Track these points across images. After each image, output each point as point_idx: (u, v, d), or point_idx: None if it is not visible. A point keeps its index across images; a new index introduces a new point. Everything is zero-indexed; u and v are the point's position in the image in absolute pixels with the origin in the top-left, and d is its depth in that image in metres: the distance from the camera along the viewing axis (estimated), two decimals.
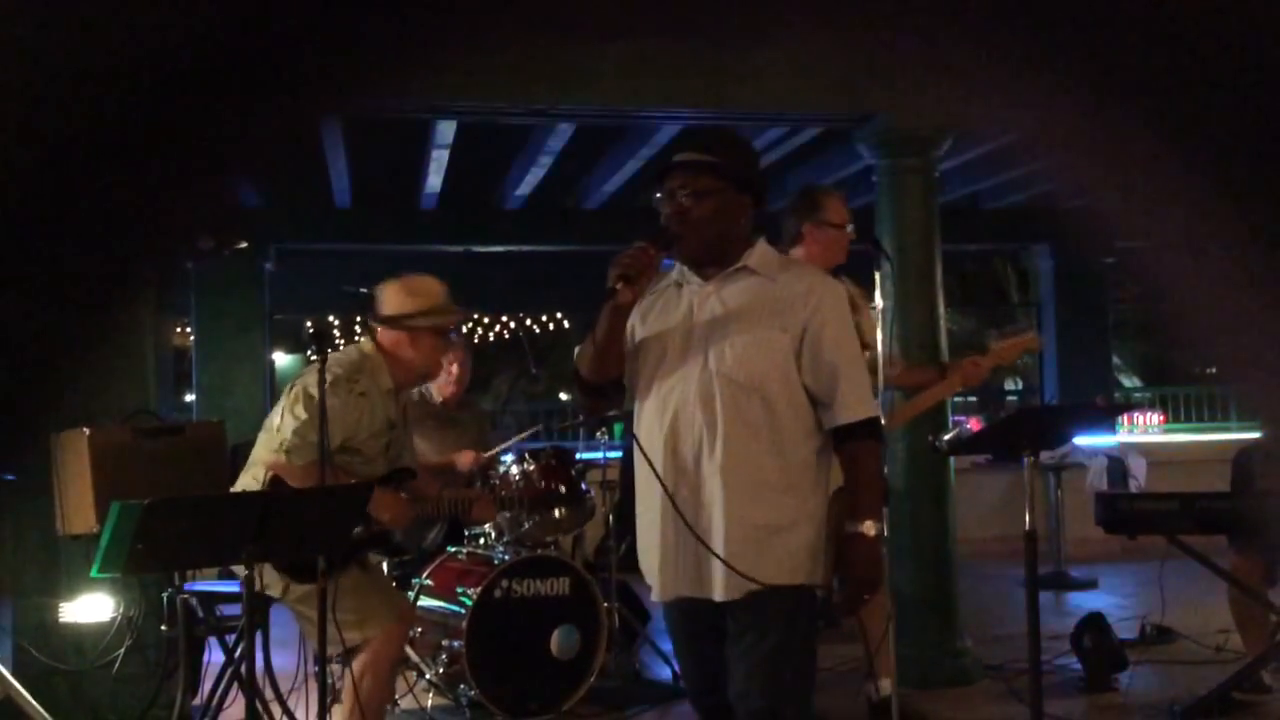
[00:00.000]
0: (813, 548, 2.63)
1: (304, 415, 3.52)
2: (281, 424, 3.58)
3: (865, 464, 2.69)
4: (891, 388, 4.40)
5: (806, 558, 2.61)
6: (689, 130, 2.85)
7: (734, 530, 2.56)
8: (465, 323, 4.04)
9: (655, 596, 2.77)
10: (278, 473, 3.59)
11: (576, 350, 2.80)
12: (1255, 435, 5.64)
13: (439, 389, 5.63)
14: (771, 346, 2.61)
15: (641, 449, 2.69)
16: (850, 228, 4.27)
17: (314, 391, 3.52)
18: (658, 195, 2.72)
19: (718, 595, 2.58)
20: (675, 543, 2.63)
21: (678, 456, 2.62)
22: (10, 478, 4.57)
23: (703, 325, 2.65)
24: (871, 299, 4.13)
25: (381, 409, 3.74)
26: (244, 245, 6.68)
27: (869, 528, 2.59)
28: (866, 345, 4.34)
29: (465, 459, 5.12)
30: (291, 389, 3.65)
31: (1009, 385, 18.99)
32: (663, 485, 2.61)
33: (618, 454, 6.46)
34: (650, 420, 2.68)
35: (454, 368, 5.62)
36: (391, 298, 3.84)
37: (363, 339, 3.86)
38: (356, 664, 3.69)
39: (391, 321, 3.79)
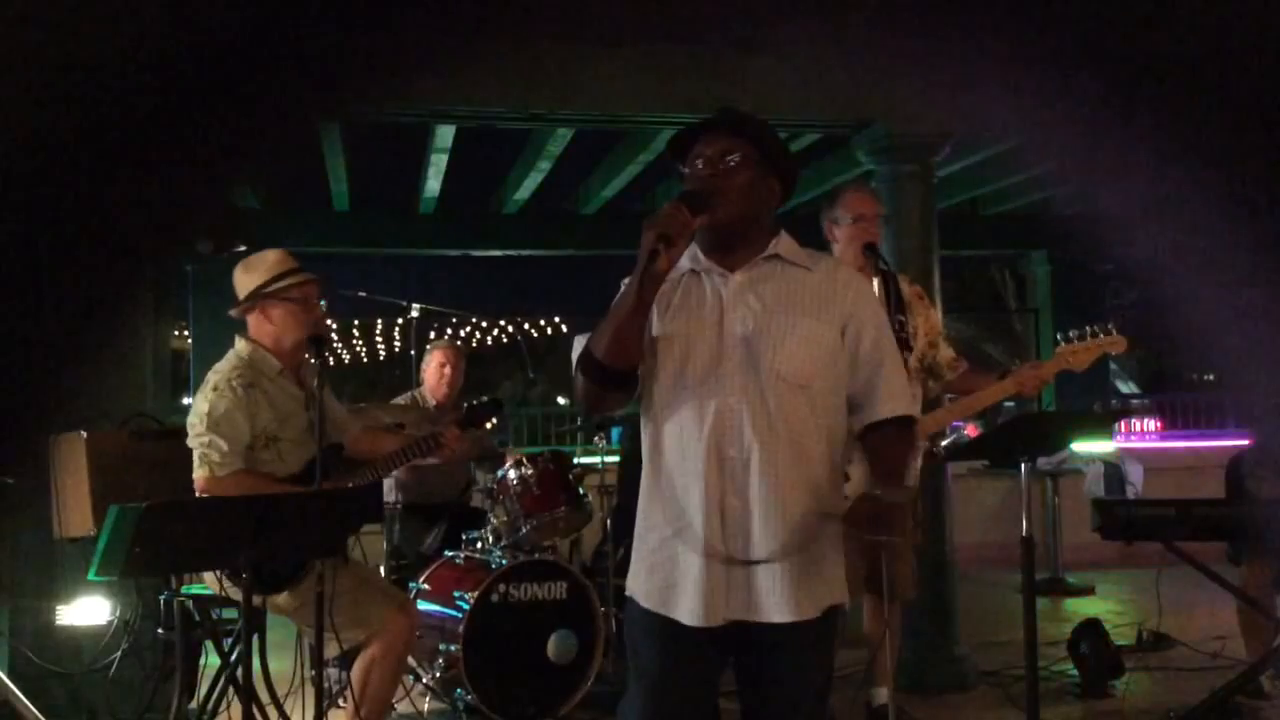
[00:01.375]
0: (842, 564, 2.49)
1: (207, 433, 3.58)
2: (195, 447, 3.62)
3: (901, 448, 2.57)
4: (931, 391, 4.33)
5: (846, 575, 2.49)
6: (724, 108, 2.56)
7: (794, 542, 2.36)
8: (316, 291, 3.89)
9: (695, 620, 2.38)
10: (210, 491, 3.59)
11: (578, 340, 2.62)
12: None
13: (432, 392, 5.62)
14: (820, 342, 2.42)
15: (648, 455, 2.48)
16: (867, 219, 4.17)
17: (204, 406, 3.62)
18: (686, 167, 2.49)
19: (782, 616, 2.35)
20: (723, 560, 2.36)
21: (724, 463, 2.37)
22: (8, 480, 4.57)
23: (740, 320, 2.41)
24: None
25: (281, 392, 3.76)
26: (243, 248, 6.68)
27: (897, 495, 2.46)
28: (933, 344, 4.34)
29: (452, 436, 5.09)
30: (193, 409, 3.71)
31: None
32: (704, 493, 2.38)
33: (615, 458, 6.45)
34: (685, 424, 2.40)
35: (446, 370, 5.61)
36: (237, 283, 3.85)
37: (237, 341, 3.85)
38: (361, 660, 3.69)
39: (240, 306, 3.81)
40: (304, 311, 3.77)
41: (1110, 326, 4.01)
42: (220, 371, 3.71)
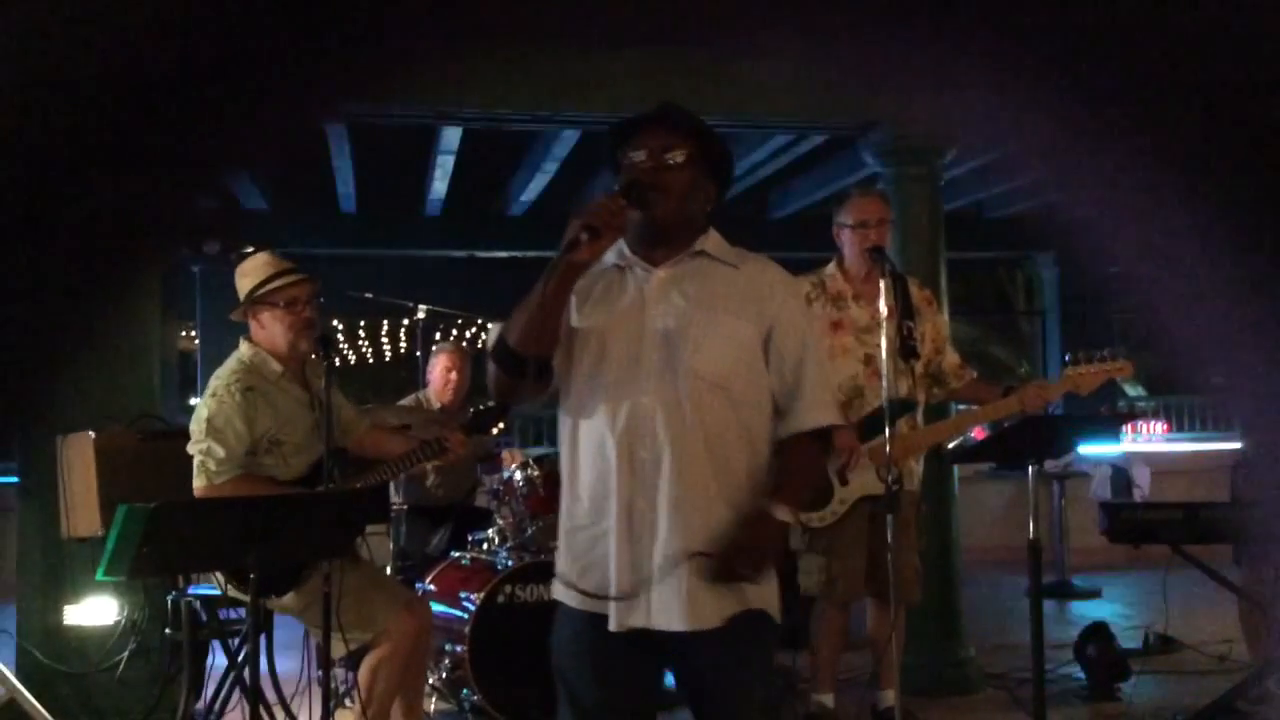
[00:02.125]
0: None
1: (205, 440, 3.58)
2: (194, 454, 3.63)
3: (811, 461, 2.47)
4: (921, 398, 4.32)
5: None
6: (666, 103, 2.43)
7: (700, 547, 2.25)
8: (308, 292, 3.85)
9: (610, 625, 2.33)
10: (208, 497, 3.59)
11: (492, 327, 2.45)
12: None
13: (437, 394, 5.62)
14: (742, 341, 2.33)
15: (570, 452, 2.38)
16: (870, 224, 4.16)
17: (204, 413, 3.63)
18: (619, 159, 2.39)
19: (680, 625, 2.26)
20: (630, 564, 2.28)
21: (635, 464, 2.27)
22: (15, 480, 4.59)
23: (661, 316, 2.32)
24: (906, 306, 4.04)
25: (282, 395, 3.75)
26: (249, 249, 6.70)
27: (783, 512, 2.31)
28: (939, 350, 4.34)
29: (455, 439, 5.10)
30: (196, 413, 3.72)
31: None
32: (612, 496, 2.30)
33: None
34: (599, 422, 2.31)
35: (452, 375, 5.61)
36: (236, 285, 3.86)
37: (240, 344, 3.86)
38: (367, 661, 3.70)
39: (239, 311, 3.83)
40: (290, 314, 3.74)
41: (1117, 351, 4.01)
42: (220, 377, 3.72)
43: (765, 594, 2.37)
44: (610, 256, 2.38)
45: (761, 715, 2.41)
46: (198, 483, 3.60)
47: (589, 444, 2.34)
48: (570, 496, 2.40)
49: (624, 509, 2.28)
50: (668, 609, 2.26)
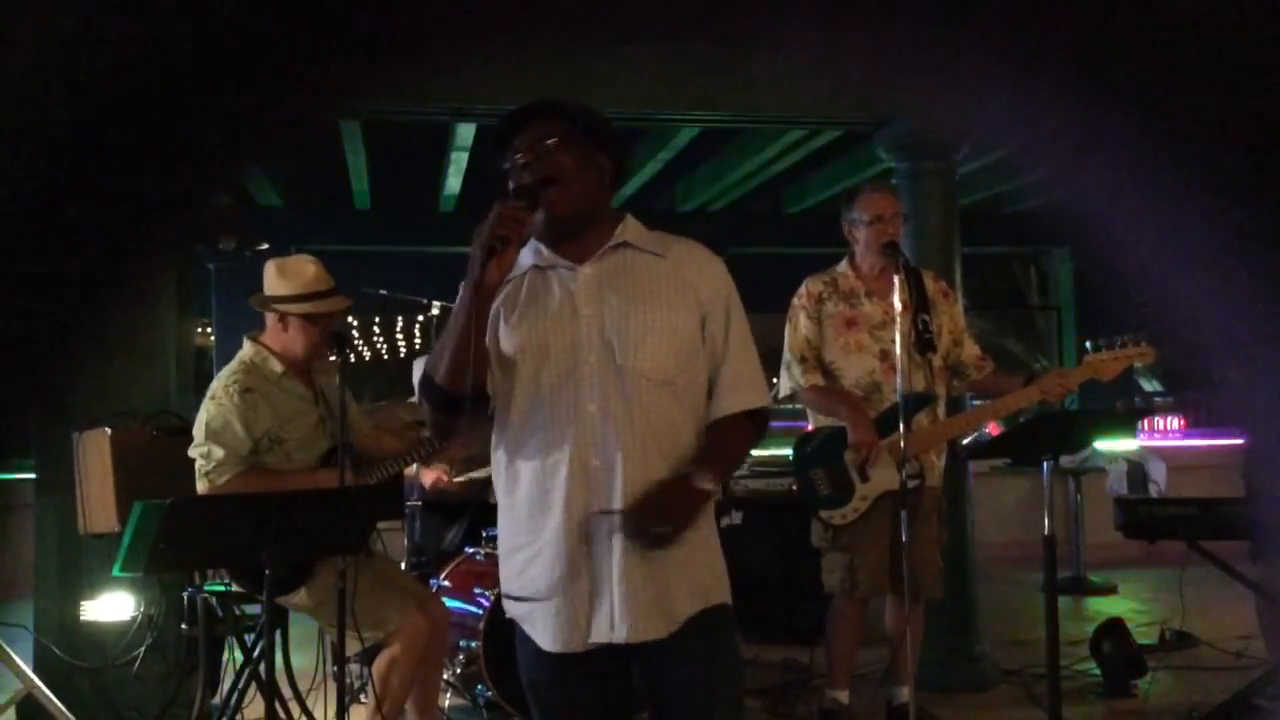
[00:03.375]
0: (721, 561, 2.36)
1: (204, 444, 3.59)
2: (198, 452, 3.63)
3: (739, 439, 2.38)
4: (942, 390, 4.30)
5: (724, 572, 2.35)
6: (535, 99, 2.35)
7: (664, 548, 2.22)
8: (340, 311, 3.81)
9: (554, 645, 2.25)
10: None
11: (417, 364, 2.27)
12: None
13: None
14: (681, 334, 2.26)
15: (509, 469, 2.32)
16: (886, 219, 4.14)
17: (203, 416, 3.63)
18: (505, 166, 2.30)
19: (646, 634, 2.21)
20: (586, 576, 2.21)
21: (589, 473, 2.20)
22: (32, 477, 4.61)
23: (595, 317, 2.24)
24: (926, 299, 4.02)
25: (283, 394, 3.74)
26: (264, 246, 6.72)
27: (706, 481, 2.24)
28: (957, 342, 4.32)
29: (429, 477, 5.17)
30: (194, 428, 3.72)
31: None
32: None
33: None
34: (543, 434, 2.23)
35: None
36: (268, 279, 3.83)
37: (244, 343, 3.85)
38: (381, 658, 3.71)
39: (263, 303, 3.80)
40: (321, 332, 3.77)
41: (1138, 336, 3.98)
42: (220, 379, 3.73)
43: (724, 587, 2.33)
44: (527, 257, 2.31)
45: (729, 712, 2.36)
46: (199, 486, 3.62)
47: (532, 458, 2.25)
48: (502, 512, 2.35)
49: (575, 520, 2.20)
50: (635, 617, 2.20)
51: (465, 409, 2.18)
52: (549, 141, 2.25)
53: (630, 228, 2.35)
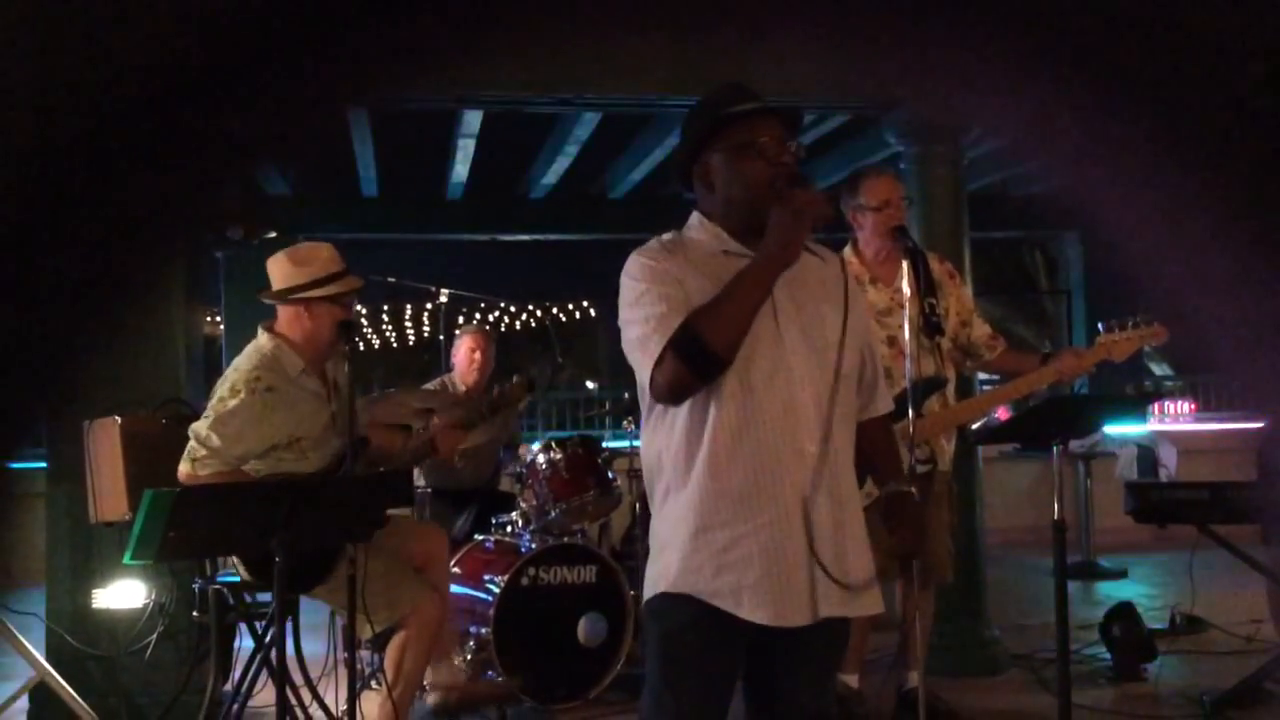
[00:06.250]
0: None
1: (210, 427, 3.53)
2: (197, 431, 3.57)
3: (895, 439, 2.69)
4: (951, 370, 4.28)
5: (879, 560, 2.54)
6: (771, 101, 2.45)
7: (858, 532, 2.40)
8: (358, 290, 3.79)
9: (777, 620, 2.28)
10: (186, 483, 3.52)
11: (675, 326, 2.22)
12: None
13: (462, 378, 5.64)
14: (855, 329, 2.39)
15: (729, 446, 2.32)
16: (893, 204, 4.11)
17: (219, 395, 3.56)
18: (773, 144, 2.35)
19: (859, 611, 2.39)
20: (813, 554, 2.28)
21: (805, 459, 2.29)
22: (44, 465, 4.63)
23: (793, 309, 2.33)
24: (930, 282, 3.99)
25: (301, 392, 3.68)
26: (272, 234, 6.73)
27: (910, 488, 2.56)
28: (965, 323, 4.29)
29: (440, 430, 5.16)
30: (211, 399, 3.65)
31: None
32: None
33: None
34: (754, 419, 2.28)
35: (476, 355, 5.62)
36: (280, 271, 3.73)
37: (259, 334, 3.76)
38: (395, 642, 3.73)
39: (282, 296, 3.71)
40: (344, 313, 3.71)
41: (1150, 317, 3.96)
42: (241, 369, 3.64)
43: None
44: (709, 241, 2.39)
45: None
46: (182, 467, 3.55)
47: (740, 440, 2.28)
48: (702, 493, 2.31)
49: (793, 504, 2.28)
50: (832, 598, 2.30)
51: (717, 375, 2.25)
52: (794, 147, 2.37)
53: None
